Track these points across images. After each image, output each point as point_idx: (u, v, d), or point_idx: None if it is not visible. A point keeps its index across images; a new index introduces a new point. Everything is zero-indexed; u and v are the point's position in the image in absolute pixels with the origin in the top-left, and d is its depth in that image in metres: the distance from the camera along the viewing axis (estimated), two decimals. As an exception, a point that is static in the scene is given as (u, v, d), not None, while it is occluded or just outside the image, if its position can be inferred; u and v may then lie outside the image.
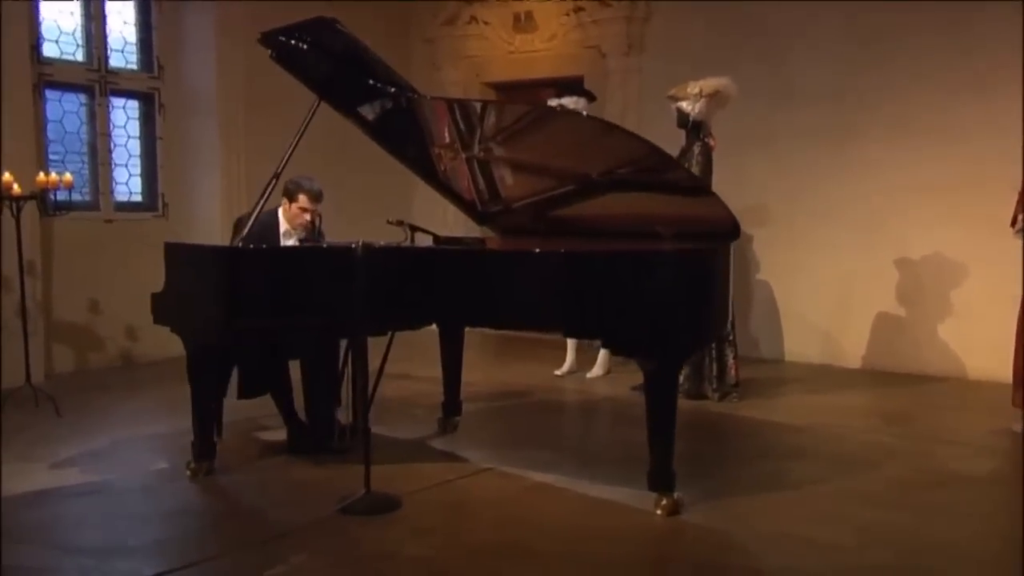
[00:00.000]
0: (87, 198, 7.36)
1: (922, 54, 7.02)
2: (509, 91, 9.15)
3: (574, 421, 6.14)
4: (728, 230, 4.13)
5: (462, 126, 4.73)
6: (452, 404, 5.37)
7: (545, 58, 8.75)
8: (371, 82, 4.49)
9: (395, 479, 4.25)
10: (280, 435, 5.06)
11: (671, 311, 3.85)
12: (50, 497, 4.20)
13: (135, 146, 7.73)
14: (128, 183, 7.69)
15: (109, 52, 7.48)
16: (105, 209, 7.45)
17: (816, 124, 7.37)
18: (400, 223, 4.69)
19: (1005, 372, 6.63)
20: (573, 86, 7.06)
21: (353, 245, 4.00)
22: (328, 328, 4.46)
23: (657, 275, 3.87)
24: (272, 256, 4.47)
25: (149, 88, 7.76)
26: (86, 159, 7.40)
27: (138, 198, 7.79)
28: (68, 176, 5.83)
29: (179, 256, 4.46)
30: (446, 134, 4.80)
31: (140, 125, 7.76)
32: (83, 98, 7.38)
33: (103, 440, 5.14)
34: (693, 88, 6.08)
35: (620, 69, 8.32)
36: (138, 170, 7.77)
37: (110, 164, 7.51)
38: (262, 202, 4.40)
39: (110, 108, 7.51)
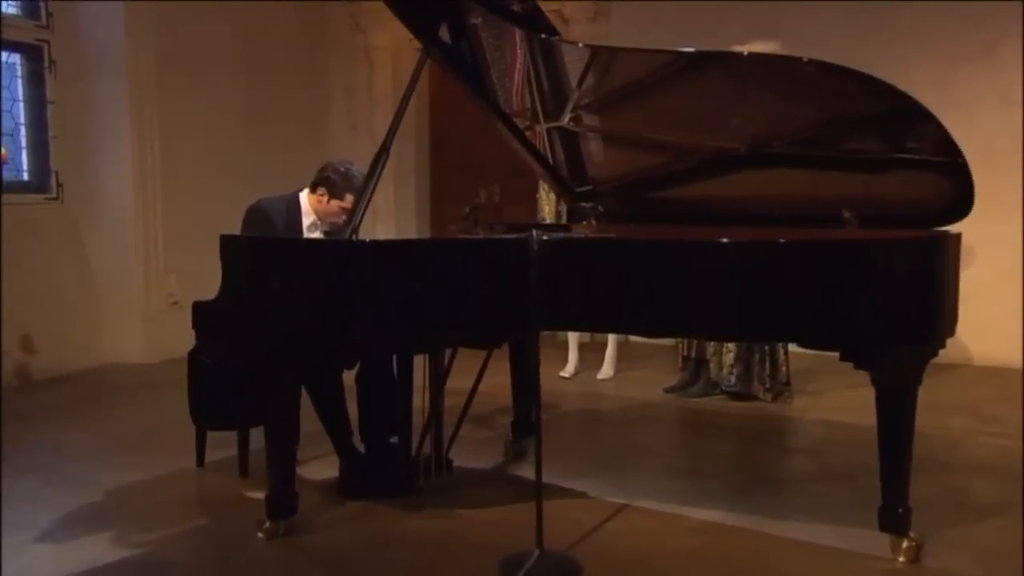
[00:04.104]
0: (-34, 176, 5.83)
1: (924, 22, 6.65)
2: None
3: (654, 435, 5.11)
4: (944, 210, 3.46)
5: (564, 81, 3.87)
6: (524, 423, 4.47)
7: (495, 21, 7.77)
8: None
9: (529, 527, 3.31)
10: (320, 470, 4.04)
11: (918, 311, 3.17)
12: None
13: (24, 112, 6.24)
14: (17, 158, 6.19)
15: (-15, -8, 5.98)
16: (-10, 190, 5.95)
17: (809, 97, 6.83)
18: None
19: (1014, 358, 6.44)
20: None
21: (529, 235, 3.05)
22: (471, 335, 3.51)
23: (899, 268, 3.17)
24: (415, 250, 3.51)
25: (36, 40, 6.26)
26: (-38, 126, 5.88)
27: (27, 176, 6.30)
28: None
29: (260, 253, 3.36)
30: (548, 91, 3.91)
31: (25, 86, 6.26)
32: (-45, 49, 5.85)
33: (92, 490, 3.89)
34: (737, 54, 5.38)
35: (585, 37, 7.42)
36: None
37: (-7, 134, 6.00)
38: (373, 183, 3.32)
39: (-10, 63, 6.01)
